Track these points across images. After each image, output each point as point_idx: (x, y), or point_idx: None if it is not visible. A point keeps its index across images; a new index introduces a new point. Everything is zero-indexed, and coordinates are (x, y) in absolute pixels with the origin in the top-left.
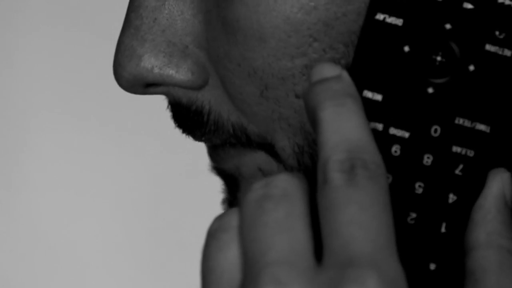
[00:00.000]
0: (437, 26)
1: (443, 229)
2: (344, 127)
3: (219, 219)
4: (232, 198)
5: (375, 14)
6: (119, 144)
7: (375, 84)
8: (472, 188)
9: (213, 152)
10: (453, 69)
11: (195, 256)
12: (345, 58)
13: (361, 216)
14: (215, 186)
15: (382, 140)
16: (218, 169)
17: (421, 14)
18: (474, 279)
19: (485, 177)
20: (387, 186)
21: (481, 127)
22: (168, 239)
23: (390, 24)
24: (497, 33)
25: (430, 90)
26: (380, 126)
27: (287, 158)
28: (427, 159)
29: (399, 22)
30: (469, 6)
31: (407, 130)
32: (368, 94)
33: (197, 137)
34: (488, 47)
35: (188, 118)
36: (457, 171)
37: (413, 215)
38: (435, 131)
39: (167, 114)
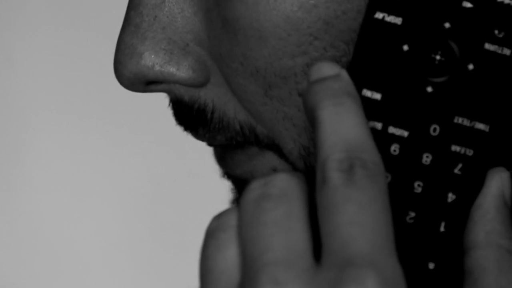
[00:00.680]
0: (436, 25)
1: (442, 229)
2: (343, 126)
3: (217, 218)
4: None
5: (374, 13)
6: (119, 144)
7: (374, 83)
8: (471, 187)
9: (221, 158)
10: (452, 68)
11: (195, 256)
12: (346, 56)
13: (360, 216)
14: (215, 186)
15: (381, 139)
16: (229, 174)
17: (420, 13)
18: (473, 278)
19: (484, 176)
20: (386, 185)
21: (480, 126)
22: (168, 239)
23: (389, 23)
24: (496, 32)
25: (429, 89)
26: (379, 125)
27: (294, 161)
28: (426, 158)
29: (398, 21)
30: (468, 5)
31: (406, 129)
32: (367, 93)
33: (200, 135)
34: (487, 46)
35: (191, 116)
36: (456, 170)
37: (412, 214)
38: (434, 130)
39: (168, 113)
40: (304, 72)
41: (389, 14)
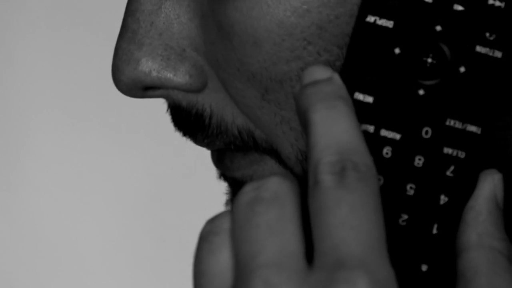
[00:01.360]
0: (427, 28)
1: (434, 231)
2: (335, 129)
3: (210, 222)
4: None
5: (366, 16)
6: (119, 144)
7: (366, 86)
8: (464, 190)
9: (219, 159)
10: (443, 71)
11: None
12: (339, 60)
13: (352, 218)
14: (215, 187)
15: (373, 142)
16: (227, 176)
17: (412, 16)
18: (465, 280)
19: (477, 178)
20: (378, 188)
21: (472, 128)
22: (168, 239)
23: (380, 26)
24: (487, 34)
25: (421, 92)
26: (371, 128)
27: (292, 166)
28: (418, 161)
29: (389, 24)
30: (459, 8)
31: (398, 132)
32: (359, 96)
33: (198, 141)
34: (478, 48)
35: (189, 121)
36: (448, 173)
37: (405, 216)
38: (426, 132)
39: (167, 115)
40: (299, 77)
41: (381, 17)
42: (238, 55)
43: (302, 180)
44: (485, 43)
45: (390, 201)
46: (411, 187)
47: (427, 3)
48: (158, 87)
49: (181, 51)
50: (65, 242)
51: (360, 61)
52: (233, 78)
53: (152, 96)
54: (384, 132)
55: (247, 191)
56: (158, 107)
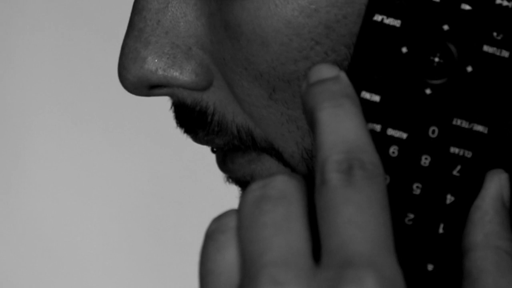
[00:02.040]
0: (435, 27)
1: (440, 230)
2: (342, 128)
3: (217, 220)
4: None
5: (373, 15)
6: (120, 144)
7: (373, 85)
8: (470, 189)
9: (222, 162)
10: (451, 70)
11: (195, 257)
12: (347, 60)
13: (359, 217)
14: (216, 187)
15: (380, 141)
16: (232, 177)
17: (419, 15)
18: (471, 279)
19: (483, 178)
20: (385, 186)
21: (479, 128)
22: (169, 239)
23: (388, 25)
24: (495, 34)
25: (428, 91)
26: (378, 127)
27: (296, 164)
28: (425, 160)
29: (397, 23)
30: (467, 7)
31: (405, 131)
32: (366, 95)
33: (199, 138)
34: (486, 48)
35: (192, 118)
36: (454, 172)
37: (411, 216)
38: (433, 132)
39: (168, 114)
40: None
41: (388, 16)
42: (245, 54)
43: (307, 178)
44: (493, 43)
45: (396, 200)
46: (417, 187)
47: (435, 2)
48: (164, 86)
49: (187, 49)
50: (65, 242)
51: (367, 60)
52: (240, 77)
53: (158, 95)
54: (390, 131)
55: (254, 189)
56: (158, 107)
